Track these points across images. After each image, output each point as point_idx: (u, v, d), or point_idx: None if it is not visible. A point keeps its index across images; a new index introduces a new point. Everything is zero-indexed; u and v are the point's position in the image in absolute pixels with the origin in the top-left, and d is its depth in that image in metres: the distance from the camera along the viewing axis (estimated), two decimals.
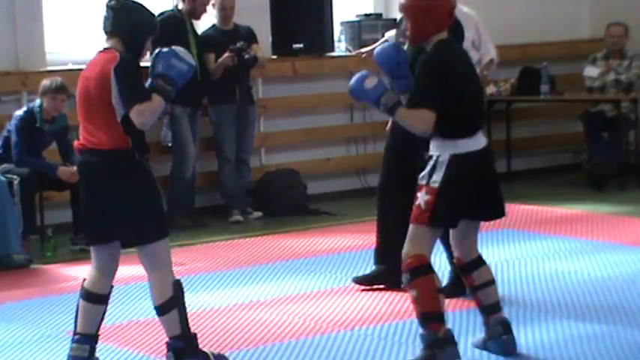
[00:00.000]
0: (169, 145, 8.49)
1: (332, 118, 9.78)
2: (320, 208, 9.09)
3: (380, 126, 9.97)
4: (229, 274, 6.89)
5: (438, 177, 4.77)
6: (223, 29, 8.78)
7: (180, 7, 8.55)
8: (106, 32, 4.71)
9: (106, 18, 4.70)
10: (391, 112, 4.78)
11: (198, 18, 8.67)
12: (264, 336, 5.50)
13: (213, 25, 8.82)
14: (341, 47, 9.89)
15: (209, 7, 8.64)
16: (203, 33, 8.81)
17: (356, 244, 7.74)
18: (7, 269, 7.12)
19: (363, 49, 9.79)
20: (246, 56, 8.54)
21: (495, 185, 4.97)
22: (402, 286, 5.02)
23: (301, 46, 9.48)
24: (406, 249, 4.82)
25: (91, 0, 8.65)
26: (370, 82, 4.80)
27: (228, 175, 8.81)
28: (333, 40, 9.68)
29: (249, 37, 8.76)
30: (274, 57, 9.43)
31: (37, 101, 7.66)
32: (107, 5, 4.72)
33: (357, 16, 9.94)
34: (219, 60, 8.55)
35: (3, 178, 7.35)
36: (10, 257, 7.16)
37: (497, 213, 5.05)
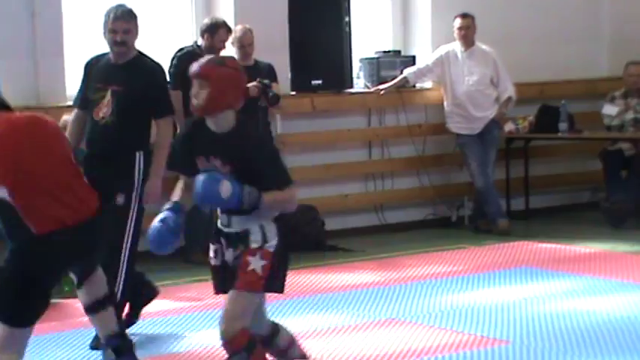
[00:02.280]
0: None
1: (350, 154, 9.79)
2: (337, 244, 9.08)
3: (398, 163, 10.03)
4: None
5: (271, 241, 4.60)
6: (243, 65, 8.78)
7: (199, 43, 8.61)
8: None
9: None
10: (257, 206, 4.51)
11: (217, 54, 8.71)
12: None
13: None
14: (359, 84, 9.93)
15: (228, 44, 8.69)
16: None
17: (373, 280, 7.72)
18: None
19: (382, 86, 9.88)
20: (270, 94, 8.59)
21: None
22: None
23: (320, 82, 9.52)
24: (235, 323, 4.50)
25: None
26: (226, 190, 4.45)
27: None
28: (351, 77, 9.71)
29: (270, 74, 8.81)
30: (293, 93, 9.48)
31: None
32: None
33: (376, 52, 9.99)
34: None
35: None
36: None
37: None
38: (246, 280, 4.51)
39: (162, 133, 6.01)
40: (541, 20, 10.58)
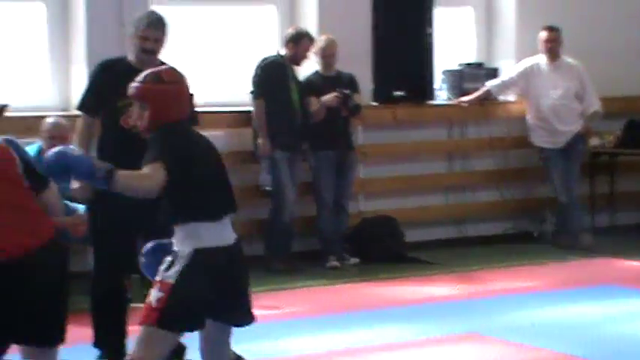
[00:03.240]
0: (268, 189, 8.56)
1: (431, 166, 9.74)
2: (417, 256, 9.04)
3: (479, 175, 9.95)
4: (324, 319, 6.88)
5: (172, 272, 4.20)
6: (325, 75, 8.85)
7: (282, 53, 8.65)
8: None
9: None
10: (108, 179, 4.07)
11: (299, 64, 8.75)
12: None
13: (315, 72, 8.90)
14: (442, 96, 9.88)
15: (311, 54, 8.72)
16: (305, 78, 8.89)
17: (452, 293, 7.67)
18: None
19: (464, 98, 9.82)
20: (351, 104, 8.60)
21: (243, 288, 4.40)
22: None
23: (402, 93, 9.49)
24: (138, 354, 4.20)
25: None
26: (76, 151, 4.21)
27: (326, 220, 8.83)
28: (433, 88, 9.67)
29: (352, 84, 8.82)
30: (375, 104, 9.47)
31: None
32: None
33: (459, 64, 9.92)
34: (324, 98, 8.61)
35: None
36: None
37: (246, 319, 4.43)
38: (144, 314, 4.19)
39: None
40: (628, 33, 10.41)
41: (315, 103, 8.66)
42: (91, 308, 5.75)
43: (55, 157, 4.04)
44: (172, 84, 4.34)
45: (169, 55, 5.93)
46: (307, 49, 8.65)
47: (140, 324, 4.18)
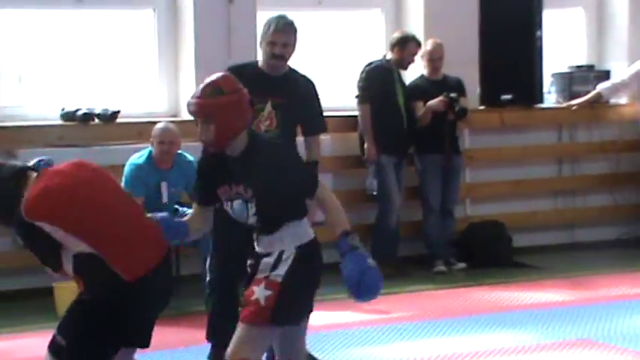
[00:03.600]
0: (374, 193, 8.55)
1: (539, 170, 9.62)
2: (525, 262, 8.93)
3: (590, 180, 9.78)
4: (432, 324, 6.84)
5: (280, 271, 4.21)
6: (432, 79, 8.81)
7: (388, 57, 8.63)
8: None
9: None
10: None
11: (405, 68, 8.72)
12: None
13: (422, 75, 8.86)
14: (551, 99, 9.75)
15: (417, 58, 8.69)
16: (411, 82, 8.86)
17: (562, 299, 7.55)
18: None
19: (574, 101, 9.67)
20: (457, 108, 8.55)
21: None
22: None
23: (510, 97, 9.39)
24: (239, 354, 4.18)
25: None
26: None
27: (433, 225, 8.79)
28: (542, 92, 9.54)
29: (459, 88, 8.76)
30: (482, 108, 9.38)
31: None
32: None
33: (569, 67, 9.78)
34: (430, 103, 8.58)
35: None
36: None
37: None
38: (250, 311, 4.19)
39: (315, 150, 5.83)
40: None
41: (421, 108, 8.63)
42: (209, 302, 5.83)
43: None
44: (232, 94, 4.21)
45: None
46: (414, 53, 8.62)
47: (247, 322, 4.17)
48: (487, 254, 8.87)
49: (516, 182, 9.48)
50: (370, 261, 4.20)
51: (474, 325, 6.79)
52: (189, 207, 7.56)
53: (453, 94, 8.57)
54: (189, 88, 8.55)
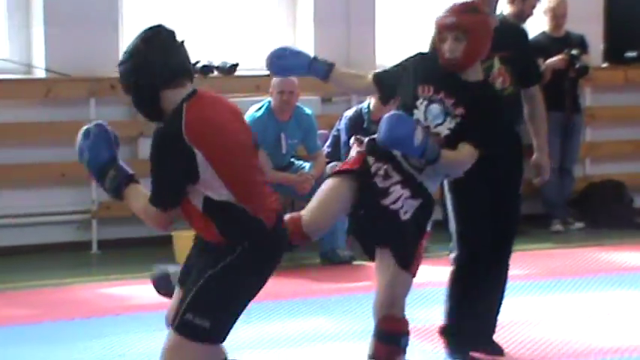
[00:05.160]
0: None
1: None
2: None
3: None
4: (549, 283, 6.78)
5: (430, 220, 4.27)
6: (554, 36, 8.64)
7: (505, 12, 8.44)
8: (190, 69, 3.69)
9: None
10: (434, 160, 4.10)
11: (524, 21, 8.56)
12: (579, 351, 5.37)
13: (543, 32, 8.70)
14: None
15: (539, 13, 8.52)
16: (532, 39, 8.69)
17: None
18: (331, 264, 7.36)
19: None
20: (578, 65, 8.38)
21: None
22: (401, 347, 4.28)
23: (635, 54, 9.17)
24: (400, 304, 4.20)
25: (424, 3, 8.80)
26: (419, 136, 4.04)
27: (551, 184, 8.61)
28: None
29: (581, 45, 8.58)
30: (605, 65, 9.19)
31: (366, 102, 7.87)
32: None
33: None
34: (550, 61, 8.43)
35: None
36: (335, 252, 7.40)
37: None
38: (416, 263, 4.20)
39: (540, 99, 5.23)
40: None
41: (541, 65, 8.48)
42: None
43: (399, 136, 4.03)
44: (487, 15, 4.26)
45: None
46: (534, 6, 8.42)
47: (407, 271, 4.18)
48: (606, 215, 8.74)
49: (638, 142, 9.28)
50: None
51: (591, 285, 6.71)
52: (306, 161, 7.66)
53: (574, 52, 8.40)
54: (307, 41, 8.59)
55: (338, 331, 5.62)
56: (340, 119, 7.95)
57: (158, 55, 3.55)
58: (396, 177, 4.13)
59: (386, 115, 4.08)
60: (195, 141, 3.48)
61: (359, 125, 7.79)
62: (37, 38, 7.93)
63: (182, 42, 3.61)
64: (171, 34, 3.60)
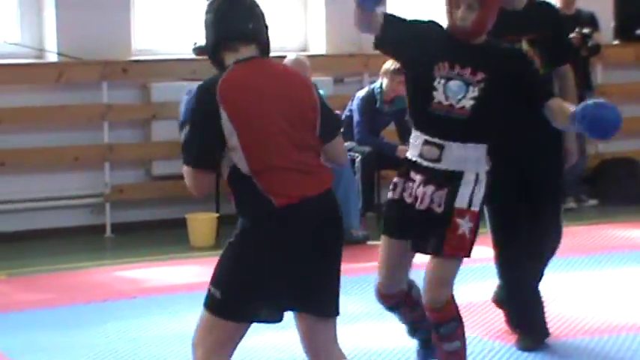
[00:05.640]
0: None
1: None
2: None
3: None
4: (562, 260, 6.77)
5: (478, 199, 4.06)
6: (564, 13, 8.60)
7: None
8: (247, 36, 3.59)
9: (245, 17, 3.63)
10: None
11: None
12: (597, 326, 5.38)
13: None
14: None
15: None
16: None
17: None
18: (346, 244, 7.32)
19: None
20: (590, 44, 8.36)
21: None
22: (444, 335, 4.17)
23: None
24: (444, 290, 4.09)
25: None
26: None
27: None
28: None
29: (592, 23, 8.55)
30: (616, 42, 9.16)
31: (378, 83, 7.87)
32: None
33: None
34: None
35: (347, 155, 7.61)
36: (349, 232, 7.41)
37: None
38: (455, 245, 4.03)
39: (570, 77, 5.12)
40: None
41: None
42: None
43: (613, 125, 3.94)
44: None
45: None
46: None
47: (450, 256, 4.05)
48: (619, 192, 8.74)
49: None
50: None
51: (605, 262, 6.72)
52: None
53: (585, 30, 8.37)
54: (318, 22, 8.59)
55: (353, 311, 5.63)
56: (352, 99, 7.96)
57: (210, 20, 3.60)
58: (418, 178, 4.09)
59: (584, 115, 3.89)
60: (223, 98, 3.44)
61: (372, 105, 7.81)
62: (49, 22, 7.95)
63: (240, 7, 3.61)
64: None
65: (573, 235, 7.64)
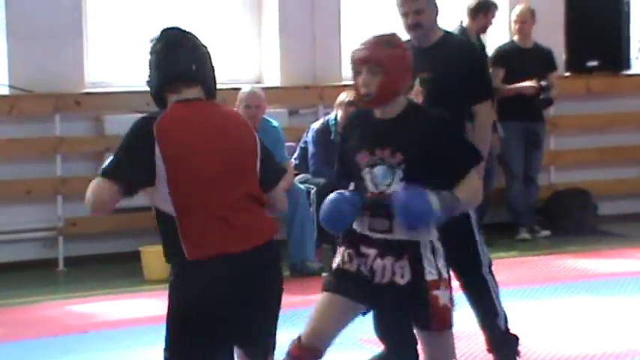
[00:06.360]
0: None
1: (626, 138, 9.49)
2: (610, 230, 8.83)
3: None
4: (516, 291, 6.81)
5: (442, 265, 3.89)
6: (521, 46, 8.70)
7: (465, 24, 8.43)
8: (189, 77, 3.57)
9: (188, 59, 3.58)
10: (453, 210, 3.85)
11: (485, 33, 8.63)
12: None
13: (512, 41, 8.77)
14: (638, 65, 9.58)
15: (501, 24, 8.59)
16: (498, 47, 8.76)
17: None
18: (300, 276, 7.36)
19: None
20: (542, 96, 8.45)
21: None
22: None
23: (596, 63, 9.27)
24: None
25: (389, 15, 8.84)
26: (435, 201, 3.75)
27: (516, 192, 8.72)
28: (629, 58, 9.39)
29: (549, 63, 8.65)
30: (567, 74, 9.27)
31: (333, 114, 7.89)
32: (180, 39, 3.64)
33: None
34: (519, 85, 8.47)
35: (302, 187, 7.61)
36: (304, 264, 7.41)
37: None
38: (442, 318, 3.86)
39: (483, 119, 4.97)
40: None
41: (499, 78, 8.43)
42: None
43: (420, 215, 3.76)
44: (404, 50, 3.95)
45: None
46: (494, 17, 8.50)
47: (442, 329, 3.89)
48: (572, 222, 8.81)
49: (602, 150, 9.38)
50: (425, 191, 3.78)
51: (558, 292, 6.75)
52: None
53: (544, 83, 8.44)
54: (272, 54, 8.61)
55: None
56: (307, 131, 7.97)
57: (152, 61, 3.57)
58: (372, 252, 3.89)
59: (395, 199, 3.78)
60: (158, 135, 3.41)
61: (326, 137, 7.82)
62: (0, 54, 7.89)
63: (183, 49, 3.56)
64: (174, 39, 3.59)
65: (527, 265, 7.70)
